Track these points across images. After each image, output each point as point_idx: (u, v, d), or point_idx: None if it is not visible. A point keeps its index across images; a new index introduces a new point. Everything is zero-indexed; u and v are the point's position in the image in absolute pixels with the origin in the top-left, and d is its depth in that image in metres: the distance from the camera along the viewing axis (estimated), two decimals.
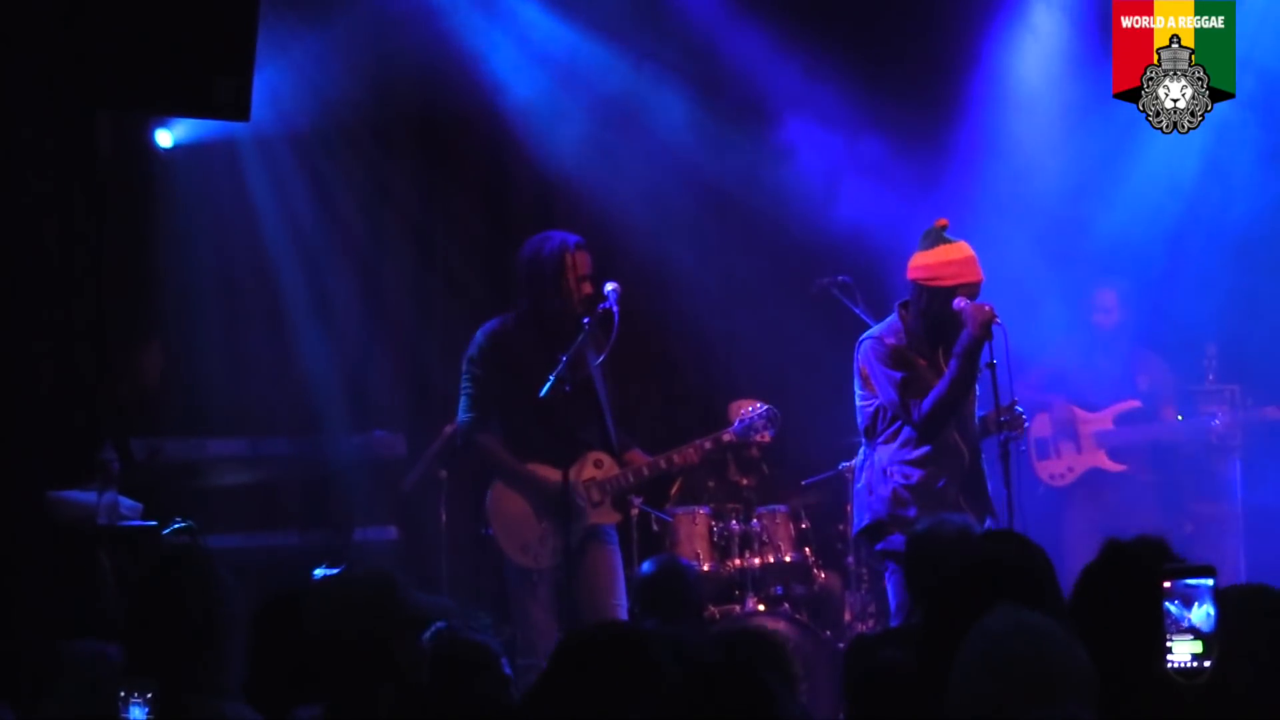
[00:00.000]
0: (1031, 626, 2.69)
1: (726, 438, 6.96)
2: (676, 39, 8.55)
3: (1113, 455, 8.10)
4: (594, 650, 3.18)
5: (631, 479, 6.74)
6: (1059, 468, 8.17)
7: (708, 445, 6.91)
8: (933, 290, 6.28)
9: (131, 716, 3.33)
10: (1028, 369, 7.63)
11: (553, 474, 6.50)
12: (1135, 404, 8.12)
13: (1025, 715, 2.55)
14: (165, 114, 7.23)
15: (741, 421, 6.93)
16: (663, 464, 6.79)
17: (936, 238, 6.35)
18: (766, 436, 7.02)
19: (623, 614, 6.47)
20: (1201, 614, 2.78)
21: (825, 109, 8.41)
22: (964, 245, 6.33)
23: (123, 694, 3.36)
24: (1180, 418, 8.14)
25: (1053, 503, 8.10)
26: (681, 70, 8.57)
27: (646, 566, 6.37)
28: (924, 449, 6.28)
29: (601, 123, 8.38)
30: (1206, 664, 2.76)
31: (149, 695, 3.35)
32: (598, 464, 6.69)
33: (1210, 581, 2.80)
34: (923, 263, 6.32)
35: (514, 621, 6.63)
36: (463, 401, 6.74)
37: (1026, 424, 6.39)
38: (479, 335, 6.78)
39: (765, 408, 6.95)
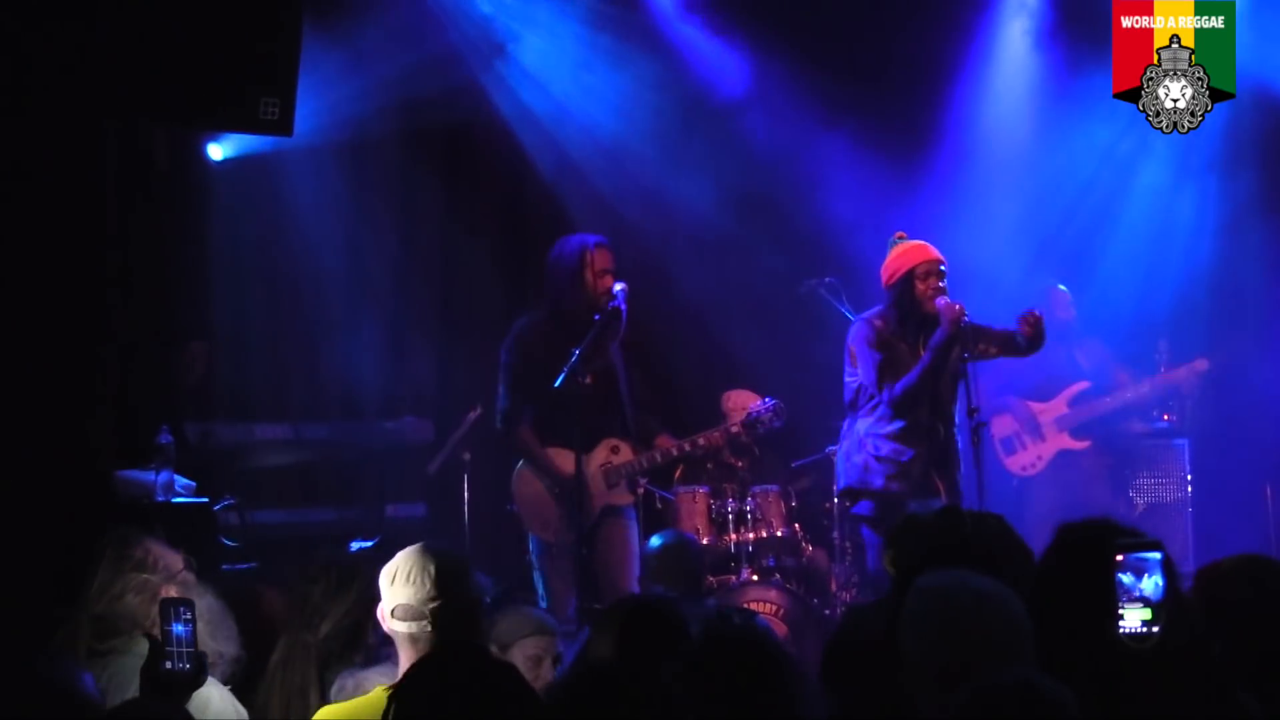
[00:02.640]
0: (966, 583, 2.78)
1: (735, 429, 6.95)
2: (671, 53, 8.61)
3: (1074, 434, 8.12)
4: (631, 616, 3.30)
5: (645, 464, 6.72)
6: (1028, 459, 8.17)
7: (733, 429, 6.92)
8: (895, 283, 6.47)
9: (175, 631, 3.34)
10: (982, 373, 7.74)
11: (566, 466, 6.52)
12: (1085, 385, 8.13)
13: (970, 670, 2.60)
14: (216, 130, 7.27)
15: (752, 414, 6.92)
16: (687, 447, 6.78)
17: (893, 244, 6.54)
18: (775, 425, 6.96)
19: (634, 585, 6.52)
20: (1151, 584, 2.79)
21: (816, 119, 8.46)
22: (913, 241, 6.48)
23: (169, 610, 3.36)
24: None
25: (1023, 490, 8.13)
26: (680, 85, 8.62)
27: (656, 540, 6.45)
28: (897, 425, 6.45)
29: (607, 135, 8.44)
30: (1155, 629, 2.77)
31: (187, 615, 3.35)
32: (614, 450, 6.70)
33: (1159, 555, 2.82)
34: (884, 266, 6.55)
35: (536, 590, 6.67)
36: (499, 390, 6.76)
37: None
38: (512, 330, 6.82)
39: (773, 401, 6.92)
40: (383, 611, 3.60)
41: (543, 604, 6.56)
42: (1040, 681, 2.44)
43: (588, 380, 6.37)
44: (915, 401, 6.39)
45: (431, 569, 3.55)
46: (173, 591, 3.76)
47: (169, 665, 3.33)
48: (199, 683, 3.39)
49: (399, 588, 3.56)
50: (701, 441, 6.85)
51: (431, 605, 3.53)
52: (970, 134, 8.75)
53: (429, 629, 3.53)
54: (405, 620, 3.54)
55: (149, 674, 3.36)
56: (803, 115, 8.50)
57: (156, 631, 3.47)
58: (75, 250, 5.74)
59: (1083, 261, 8.55)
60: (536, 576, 6.70)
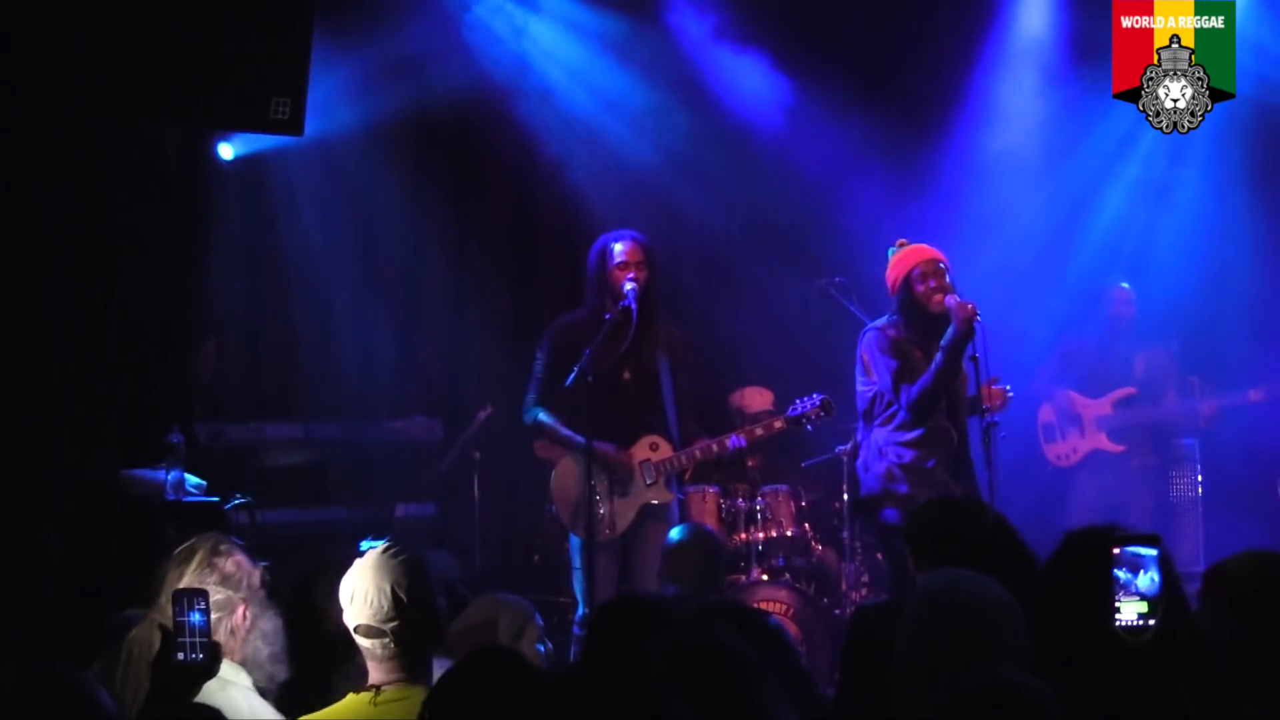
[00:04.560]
0: (966, 584, 2.80)
1: (779, 425, 6.80)
2: (684, 61, 8.62)
3: (1112, 437, 8.07)
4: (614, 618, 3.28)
5: (684, 462, 6.62)
6: (1064, 449, 8.14)
7: (777, 425, 6.79)
8: (899, 287, 6.44)
9: (191, 621, 3.29)
10: (1043, 360, 7.82)
11: (604, 448, 6.41)
12: (1131, 390, 8.06)
13: (958, 668, 2.62)
14: (227, 129, 7.31)
15: (797, 410, 6.75)
16: (729, 444, 6.64)
17: (893, 251, 6.51)
18: (824, 420, 6.79)
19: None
20: (1147, 579, 2.82)
21: (826, 125, 8.48)
22: (912, 245, 6.46)
23: (184, 600, 3.30)
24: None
25: (1059, 481, 8.11)
26: (692, 88, 8.64)
27: (673, 534, 6.34)
28: (916, 432, 6.36)
29: (620, 140, 8.47)
30: (1151, 623, 2.80)
31: (202, 605, 3.30)
32: (653, 447, 6.59)
33: (1155, 551, 2.84)
34: (887, 274, 6.51)
35: (577, 594, 6.55)
36: (530, 383, 6.69)
37: (1010, 396, 6.37)
38: (551, 325, 6.76)
39: (820, 396, 6.74)
40: (347, 623, 3.57)
41: (581, 609, 6.45)
42: (1019, 680, 2.45)
43: (626, 377, 6.32)
44: (932, 405, 6.32)
45: (387, 588, 3.50)
46: (253, 607, 3.70)
47: (181, 656, 3.28)
48: (212, 673, 3.34)
49: (358, 608, 3.52)
50: (749, 436, 6.72)
51: (391, 624, 3.49)
52: (982, 138, 8.75)
53: (391, 645, 3.51)
54: (368, 638, 3.52)
55: (160, 666, 3.31)
56: (816, 122, 8.51)
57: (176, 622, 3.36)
58: (84, 250, 5.80)
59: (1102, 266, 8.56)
60: (576, 577, 6.53)
